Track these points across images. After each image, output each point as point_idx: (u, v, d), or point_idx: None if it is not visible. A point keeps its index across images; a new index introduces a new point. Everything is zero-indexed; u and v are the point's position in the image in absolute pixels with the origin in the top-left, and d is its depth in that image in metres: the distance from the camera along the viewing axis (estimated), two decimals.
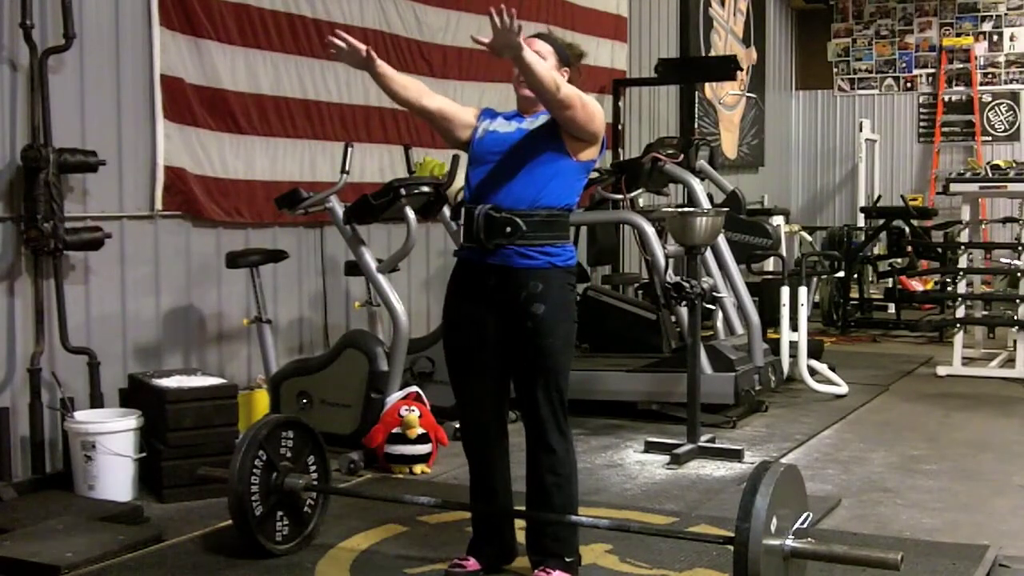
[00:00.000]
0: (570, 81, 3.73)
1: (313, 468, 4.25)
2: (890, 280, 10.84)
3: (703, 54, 10.81)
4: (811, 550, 3.40)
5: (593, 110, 3.66)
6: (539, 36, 3.83)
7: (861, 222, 11.60)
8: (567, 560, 3.74)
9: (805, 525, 3.47)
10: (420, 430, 5.32)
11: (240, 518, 3.96)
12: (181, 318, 5.68)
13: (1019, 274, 8.49)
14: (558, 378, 3.70)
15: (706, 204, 7.09)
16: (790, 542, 3.36)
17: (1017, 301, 8.21)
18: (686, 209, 6.25)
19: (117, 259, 5.33)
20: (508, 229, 3.61)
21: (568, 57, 3.83)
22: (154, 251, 5.54)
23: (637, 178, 7.12)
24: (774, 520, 3.30)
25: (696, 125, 9.53)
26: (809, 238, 11.08)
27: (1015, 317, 8.15)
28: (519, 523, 3.95)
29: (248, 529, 3.98)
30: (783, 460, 5.64)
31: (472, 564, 3.84)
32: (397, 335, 5.55)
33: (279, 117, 6.20)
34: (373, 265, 5.67)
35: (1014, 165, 9.07)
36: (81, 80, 5.14)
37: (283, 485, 4.08)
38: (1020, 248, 8.64)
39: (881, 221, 10.68)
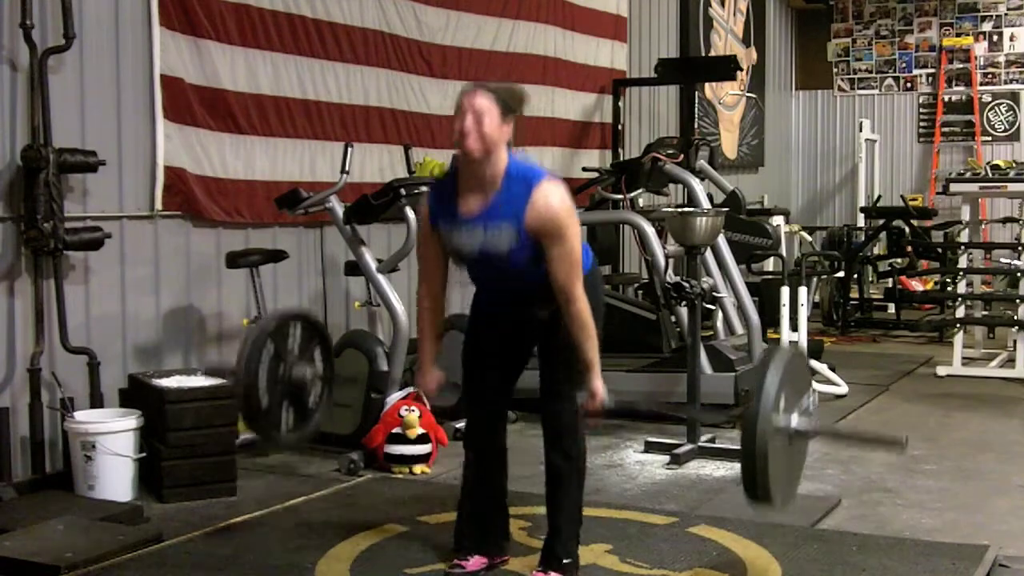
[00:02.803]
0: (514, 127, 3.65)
1: (319, 361, 4.25)
2: (890, 280, 10.83)
3: (703, 54, 10.81)
4: (815, 429, 3.47)
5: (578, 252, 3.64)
6: (480, 89, 3.61)
7: (861, 222, 11.60)
8: (564, 562, 3.77)
9: (810, 406, 3.53)
10: (420, 430, 5.32)
11: (247, 408, 3.98)
12: (181, 318, 5.68)
13: (1019, 274, 8.49)
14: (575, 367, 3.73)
15: (706, 204, 7.09)
16: (795, 421, 3.41)
17: (1017, 301, 8.21)
18: (686, 209, 6.26)
19: (117, 259, 5.33)
20: (527, 314, 3.72)
21: (512, 106, 3.62)
22: (154, 251, 5.54)
23: (637, 178, 7.13)
24: (782, 399, 3.39)
25: (696, 125, 9.53)
26: (809, 238, 11.08)
27: (1015, 317, 8.15)
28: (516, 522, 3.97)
29: (255, 419, 4.00)
30: None
31: (471, 564, 3.86)
32: (397, 335, 5.55)
33: (279, 117, 6.20)
34: (373, 265, 5.68)
35: (1014, 165, 9.07)
36: (81, 80, 5.14)
37: (290, 377, 4.08)
38: (1020, 248, 8.65)
39: (881, 221, 10.67)
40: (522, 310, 3.76)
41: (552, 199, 3.55)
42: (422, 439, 5.33)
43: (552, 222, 3.53)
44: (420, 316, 3.88)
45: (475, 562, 3.88)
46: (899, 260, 10.67)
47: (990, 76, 13.03)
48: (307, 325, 4.22)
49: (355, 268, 5.95)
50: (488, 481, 3.93)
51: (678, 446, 5.63)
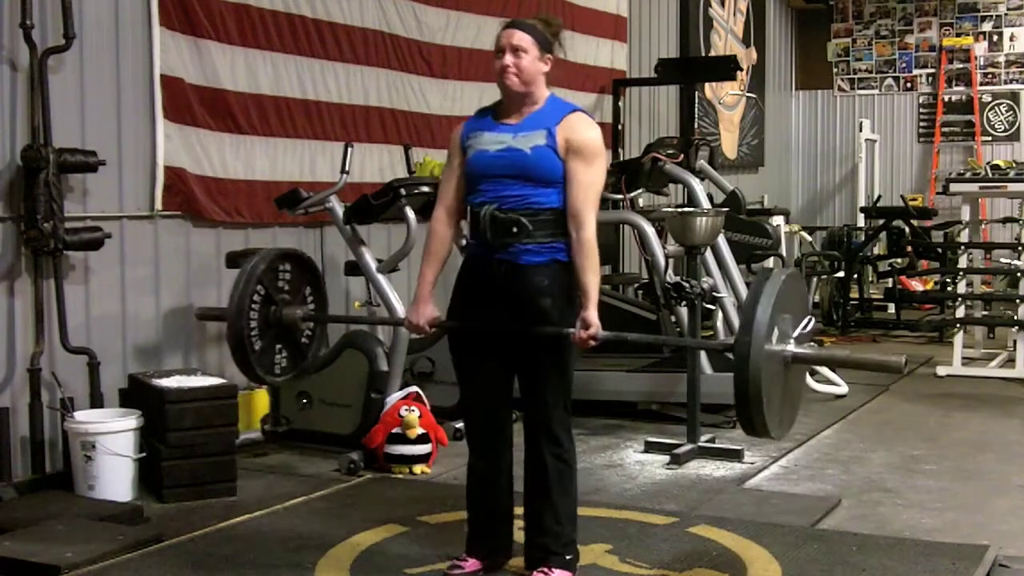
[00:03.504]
0: (552, 62, 3.72)
1: (310, 300, 4.23)
2: (890, 280, 10.83)
3: (703, 54, 10.81)
4: (812, 355, 3.41)
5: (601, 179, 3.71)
6: (517, 25, 3.72)
7: (861, 222, 11.60)
8: (567, 558, 3.74)
9: (808, 330, 3.49)
10: (420, 430, 5.32)
11: (240, 353, 3.97)
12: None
13: (1019, 274, 8.49)
14: (564, 370, 3.72)
15: (706, 204, 7.09)
16: (791, 348, 3.38)
17: (1017, 301, 8.21)
18: (686, 209, 6.26)
19: (117, 259, 5.33)
20: (515, 229, 3.63)
21: (550, 43, 3.73)
22: (154, 251, 5.54)
23: (637, 178, 7.12)
24: (775, 330, 3.32)
25: (696, 125, 9.53)
26: (809, 238, 11.08)
27: (1015, 317, 8.15)
28: (517, 522, 3.95)
29: (248, 363, 3.98)
30: (783, 459, 5.65)
31: (470, 564, 3.85)
32: (397, 335, 5.56)
33: (279, 117, 6.20)
34: (373, 265, 5.68)
35: (1014, 165, 9.08)
36: (81, 80, 5.14)
37: (282, 318, 4.05)
38: (1020, 248, 8.65)
39: (881, 221, 10.67)
40: (517, 260, 3.65)
41: (590, 125, 3.68)
42: (422, 439, 5.33)
43: (584, 141, 3.63)
44: (429, 238, 3.87)
45: (473, 563, 3.86)
46: (899, 260, 10.66)
47: (990, 76, 13.03)
48: (297, 263, 4.18)
49: (355, 268, 5.95)
50: (487, 483, 3.87)
51: (678, 446, 5.63)
